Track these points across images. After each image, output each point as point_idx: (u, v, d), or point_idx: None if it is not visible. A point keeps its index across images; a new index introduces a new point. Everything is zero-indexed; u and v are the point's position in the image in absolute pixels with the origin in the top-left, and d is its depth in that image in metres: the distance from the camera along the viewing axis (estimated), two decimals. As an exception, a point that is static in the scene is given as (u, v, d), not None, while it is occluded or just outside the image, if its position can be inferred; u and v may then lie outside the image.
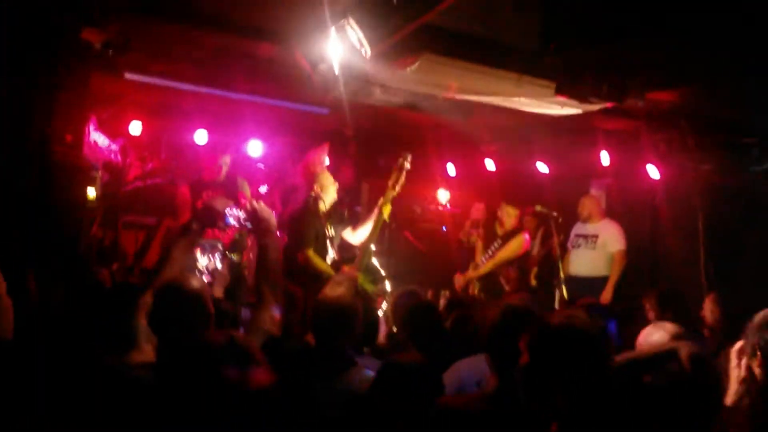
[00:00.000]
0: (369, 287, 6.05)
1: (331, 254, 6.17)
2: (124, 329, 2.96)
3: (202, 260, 7.72)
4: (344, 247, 6.42)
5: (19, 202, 4.20)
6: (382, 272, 6.31)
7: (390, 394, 2.67)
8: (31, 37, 4.44)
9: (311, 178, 6.27)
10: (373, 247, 6.16)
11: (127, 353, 2.91)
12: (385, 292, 6.20)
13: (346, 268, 6.04)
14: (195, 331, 2.84)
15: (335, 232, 6.32)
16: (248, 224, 3.53)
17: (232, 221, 3.63)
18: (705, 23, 4.27)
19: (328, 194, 6.22)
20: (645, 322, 3.95)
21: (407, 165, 6.09)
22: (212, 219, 3.51)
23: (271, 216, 3.43)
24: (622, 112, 6.33)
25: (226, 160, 6.70)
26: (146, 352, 3.06)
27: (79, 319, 3.19)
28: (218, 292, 7.38)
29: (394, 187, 6.07)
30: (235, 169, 8.01)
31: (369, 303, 5.43)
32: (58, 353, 3.10)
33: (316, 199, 6.18)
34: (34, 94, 4.46)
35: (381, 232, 6.36)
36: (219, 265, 7.87)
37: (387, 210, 6.07)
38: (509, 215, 7.19)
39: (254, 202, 3.48)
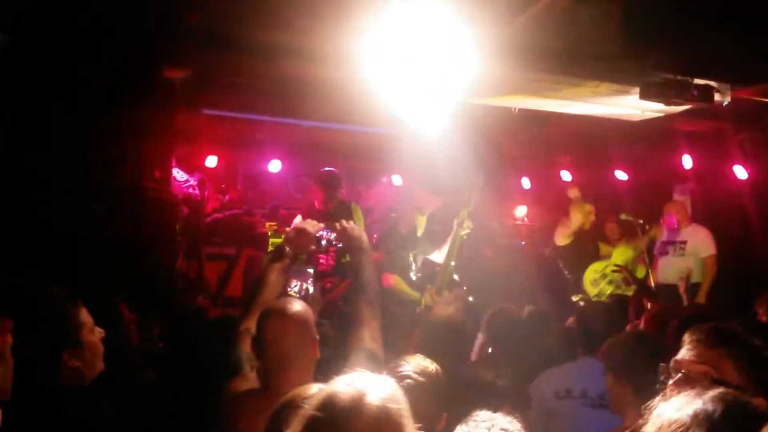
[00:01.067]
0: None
1: (413, 275, 6.16)
2: (229, 357, 2.97)
3: (294, 285, 7.81)
4: (426, 267, 6.40)
5: (114, 238, 4.32)
6: (464, 289, 6.26)
7: None
8: (116, 78, 4.59)
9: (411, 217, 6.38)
10: (453, 264, 6.10)
11: (233, 380, 2.92)
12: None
13: (429, 288, 6.02)
14: (294, 359, 2.84)
15: (417, 253, 6.31)
16: (340, 245, 3.52)
17: (324, 243, 3.63)
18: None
19: (410, 217, 6.26)
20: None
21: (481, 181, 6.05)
22: (304, 242, 3.50)
23: (362, 234, 3.40)
24: (704, 112, 6.15)
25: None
26: (250, 379, 3.07)
27: (184, 349, 3.23)
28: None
29: (470, 204, 6.02)
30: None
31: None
32: (166, 383, 3.16)
33: (398, 221, 6.23)
34: (123, 134, 4.60)
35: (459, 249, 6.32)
36: (311, 289, 7.95)
37: (467, 227, 6.02)
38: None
39: (344, 222, 3.46)
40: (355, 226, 3.60)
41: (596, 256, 7.43)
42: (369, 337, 3.06)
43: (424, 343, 3.18)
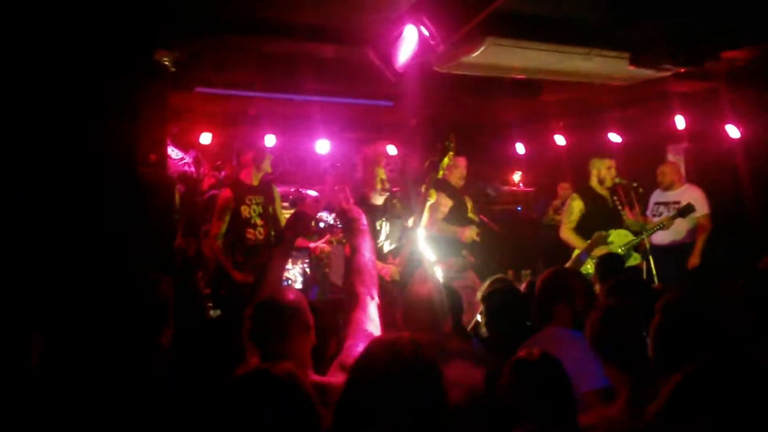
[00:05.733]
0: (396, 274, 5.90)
1: (386, 248, 6.03)
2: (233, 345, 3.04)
3: (292, 269, 7.86)
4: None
5: (113, 226, 4.36)
6: (432, 258, 6.10)
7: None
8: (107, 63, 4.59)
9: (370, 173, 6.11)
10: (421, 233, 5.93)
11: (238, 368, 2.99)
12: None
13: (391, 259, 5.89)
14: (295, 342, 2.90)
15: (393, 225, 6.13)
16: (339, 225, 3.56)
17: (323, 225, 3.68)
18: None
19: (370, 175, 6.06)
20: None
21: (451, 146, 5.87)
22: (304, 225, 3.54)
23: (361, 216, 3.44)
24: (696, 74, 6.16)
25: (263, 164, 6.50)
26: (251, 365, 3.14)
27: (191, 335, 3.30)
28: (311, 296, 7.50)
29: (436, 170, 5.86)
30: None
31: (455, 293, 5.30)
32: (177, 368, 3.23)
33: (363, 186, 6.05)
34: (116, 119, 4.61)
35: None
36: (308, 271, 8.02)
37: (432, 195, 5.87)
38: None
39: (344, 204, 3.50)
40: (355, 207, 3.64)
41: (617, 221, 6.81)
42: (367, 319, 3.11)
43: (406, 321, 3.23)
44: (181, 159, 9.23)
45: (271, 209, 6.34)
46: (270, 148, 8.70)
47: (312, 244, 6.93)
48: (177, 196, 7.59)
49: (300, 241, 6.45)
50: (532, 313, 3.97)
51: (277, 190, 6.62)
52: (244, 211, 6.16)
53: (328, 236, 6.72)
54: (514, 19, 4.96)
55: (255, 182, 6.33)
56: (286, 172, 9.92)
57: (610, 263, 5.41)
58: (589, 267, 6.36)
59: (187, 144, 9.08)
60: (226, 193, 6.24)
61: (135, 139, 4.64)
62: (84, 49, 4.48)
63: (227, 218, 6.10)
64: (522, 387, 2.48)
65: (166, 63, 5.22)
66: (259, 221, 6.20)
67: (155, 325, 3.35)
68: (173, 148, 8.91)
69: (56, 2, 4.21)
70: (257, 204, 6.23)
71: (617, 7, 4.41)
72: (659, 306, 2.43)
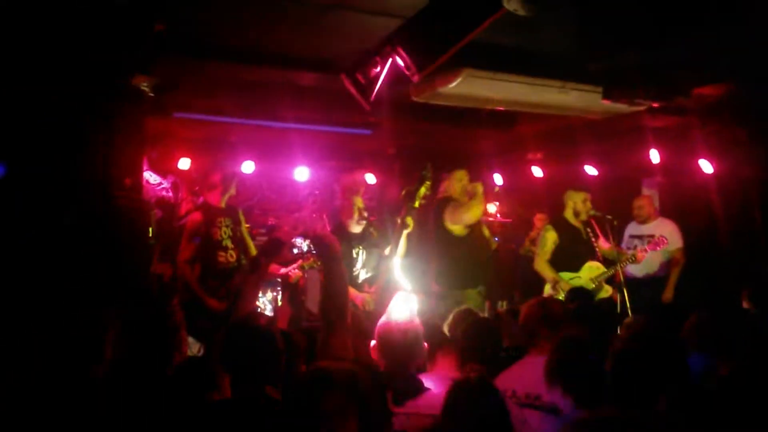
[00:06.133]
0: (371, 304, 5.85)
1: (362, 276, 6.03)
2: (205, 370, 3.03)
3: (262, 297, 7.80)
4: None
5: (85, 251, 4.33)
6: (408, 286, 6.06)
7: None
8: (84, 87, 4.59)
9: (348, 201, 6.12)
10: (398, 261, 5.92)
11: (209, 392, 2.97)
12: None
13: (367, 288, 5.88)
14: (266, 368, 2.89)
15: (369, 253, 6.14)
16: (313, 251, 3.56)
17: (296, 251, 3.68)
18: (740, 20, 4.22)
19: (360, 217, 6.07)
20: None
21: (428, 175, 5.89)
22: (278, 251, 3.54)
23: (335, 243, 3.45)
24: (669, 109, 6.27)
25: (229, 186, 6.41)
26: (223, 388, 3.12)
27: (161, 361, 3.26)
28: (282, 324, 7.44)
29: (414, 199, 5.86)
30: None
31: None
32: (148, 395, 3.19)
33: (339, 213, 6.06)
34: (91, 143, 4.60)
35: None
36: (279, 299, 7.97)
37: (410, 223, 5.88)
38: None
39: (318, 230, 3.51)
40: (329, 234, 3.65)
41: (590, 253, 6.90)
42: (340, 345, 3.12)
43: (381, 349, 3.22)
44: (159, 184, 9.18)
45: (238, 232, 6.32)
46: (248, 174, 8.73)
47: (283, 270, 6.90)
48: (153, 221, 7.57)
49: (272, 269, 6.40)
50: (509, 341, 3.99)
51: (242, 213, 6.60)
52: (216, 233, 6.13)
53: (300, 261, 6.68)
54: (491, 51, 5.04)
55: (222, 204, 6.32)
56: (265, 199, 9.91)
57: (580, 296, 5.47)
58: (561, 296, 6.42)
59: (165, 169, 9.03)
60: (195, 216, 6.21)
61: (110, 164, 4.63)
62: (62, 72, 4.48)
63: (196, 243, 6.05)
64: (458, 412, 2.46)
65: (144, 88, 5.22)
66: (230, 244, 6.17)
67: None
68: (151, 173, 8.86)
69: (32, 26, 4.21)
70: (227, 226, 6.21)
71: (589, 38, 4.48)
72: (622, 336, 2.46)
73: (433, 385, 3.12)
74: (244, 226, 6.52)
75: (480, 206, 6.40)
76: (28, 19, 4.26)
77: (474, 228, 6.56)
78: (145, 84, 5.30)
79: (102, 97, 4.60)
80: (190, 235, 6.08)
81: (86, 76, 4.49)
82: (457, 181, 6.57)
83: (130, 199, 4.68)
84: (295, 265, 6.85)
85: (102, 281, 4.41)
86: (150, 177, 8.77)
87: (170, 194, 9.17)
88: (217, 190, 6.30)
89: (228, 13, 4.69)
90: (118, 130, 4.73)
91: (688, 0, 4.21)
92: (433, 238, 6.58)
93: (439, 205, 6.56)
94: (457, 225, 6.46)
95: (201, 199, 9.08)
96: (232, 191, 6.42)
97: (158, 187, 9.09)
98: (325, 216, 9.50)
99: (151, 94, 5.40)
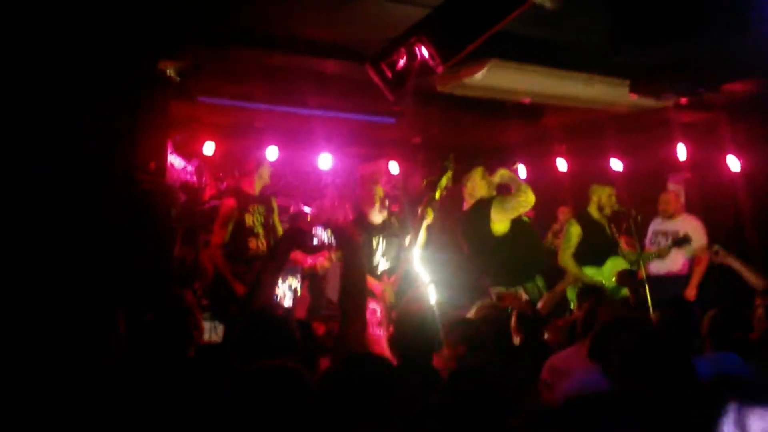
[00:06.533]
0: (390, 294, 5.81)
1: (381, 266, 6.00)
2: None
3: (282, 285, 7.82)
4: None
5: (110, 233, 4.37)
6: (427, 278, 6.00)
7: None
8: (110, 72, 4.62)
9: (369, 191, 6.08)
10: (417, 253, 5.87)
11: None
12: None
13: (386, 279, 5.85)
14: (282, 357, 2.90)
15: (389, 243, 6.13)
16: (333, 242, 3.57)
17: (317, 241, 3.69)
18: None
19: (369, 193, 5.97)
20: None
21: (450, 166, 5.83)
22: (300, 240, 3.54)
23: (357, 235, 3.44)
24: (698, 104, 6.18)
25: (263, 173, 6.44)
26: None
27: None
28: (300, 314, 7.45)
29: (435, 190, 5.81)
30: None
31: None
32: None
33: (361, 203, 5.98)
34: (117, 127, 4.63)
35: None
36: (299, 288, 7.99)
37: (430, 215, 5.84)
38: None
39: (339, 221, 3.51)
40: (351, 226, 3.65)
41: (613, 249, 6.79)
42: (356, 336, 3.13)
43: (397, 339, 3.22)
44: (184, 168, 9.26)
45: (270, 220, 6.34)
46: (272, 161, 8.74)
47: (310, 260, 6.90)
48: (176, 205, 7.63)
49: (297, 257, 6.39)
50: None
51: (276, 202, 6.63)
52: (248, 219, 6.15)
53: (327, 253, 6.62)
54: (517, 42, 4.99)
55: (256, 191, 6.34)
56: (288, 185, 9.93)
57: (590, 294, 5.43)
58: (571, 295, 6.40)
59: (190, 153, 9.10)
60: (229, 201, 6.24)
61: (135, 147, 4.66)
62: (88, 55, 4.51)
63: (230, 227, 6.09)
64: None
65: (170, 73, 5.25)
66: (261, 231, 6.19)
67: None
68: (176, 157, 8.94)
69: (61, 8, 4.24)
70: (260, 213, 6.23)
71: (617, 31, 4.43)
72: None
73: None
74: (277, 215, 6.55)
75: (528, 191, 6.22)
76: (55, 4, 4.30)
77: (514, 220, 6.37)
78: (170, 68, 5.34)
79: (128, 80, 4.62)
80: (223, 220, 6.11)
81: (113, 58, 4.51)
82: (480, 179, 6.29)
83: (154, 182, 4.72)
84: (323, 255, 6.81)
85: (125, 265, 4.45)
86: (175, 161, 8.85)
87: (194, 179, 9.26)
88: (250, 177, 6.34)
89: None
90: (143, 113, 4.77)
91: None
92: (478, 242, 6.32)
93: (473, 210, 6.31)
94: (503, 222, 6.21)
95: (225, 184, 9.17)
96: (266, 179, 6.44)
97: (182, 171, 9.18)
98: (347, 205, 9.52)
99: (177, 79, 5.46)
